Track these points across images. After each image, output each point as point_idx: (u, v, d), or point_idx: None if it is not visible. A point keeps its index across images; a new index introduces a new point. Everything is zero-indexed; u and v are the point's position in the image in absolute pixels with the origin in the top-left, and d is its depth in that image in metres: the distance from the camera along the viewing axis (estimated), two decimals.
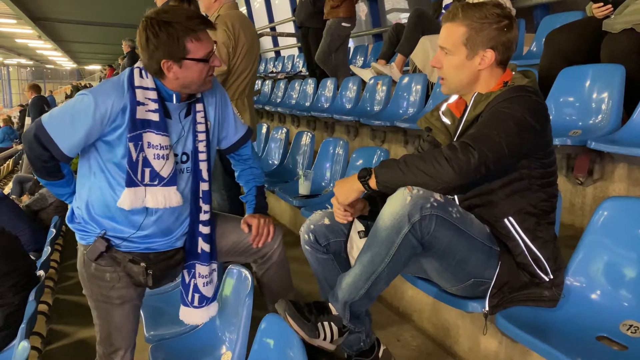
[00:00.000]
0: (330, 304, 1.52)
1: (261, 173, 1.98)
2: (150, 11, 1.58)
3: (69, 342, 2.64)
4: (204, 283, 1.76)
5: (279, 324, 1.46)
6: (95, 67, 36.74)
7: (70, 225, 1.73)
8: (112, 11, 13.92)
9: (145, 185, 1.60)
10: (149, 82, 1.61)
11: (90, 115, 1.55)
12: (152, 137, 1.59)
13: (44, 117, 1.60)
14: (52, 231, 3.67)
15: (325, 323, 1.49)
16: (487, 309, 1.49)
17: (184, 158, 1.69)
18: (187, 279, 1.77)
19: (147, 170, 1.59)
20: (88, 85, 27.83)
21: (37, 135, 1.57)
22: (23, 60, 39.74)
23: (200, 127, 1.70)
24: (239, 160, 1.95)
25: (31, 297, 2.45)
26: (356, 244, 1.60)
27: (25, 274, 2.71)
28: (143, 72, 1.62)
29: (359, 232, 1.60)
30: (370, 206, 1.67)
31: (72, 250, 4.10)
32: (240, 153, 1.92)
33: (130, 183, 1.59)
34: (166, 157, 1.61)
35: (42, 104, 8.65)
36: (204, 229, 1.74)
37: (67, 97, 24.06)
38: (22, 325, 2.18)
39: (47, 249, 3.23)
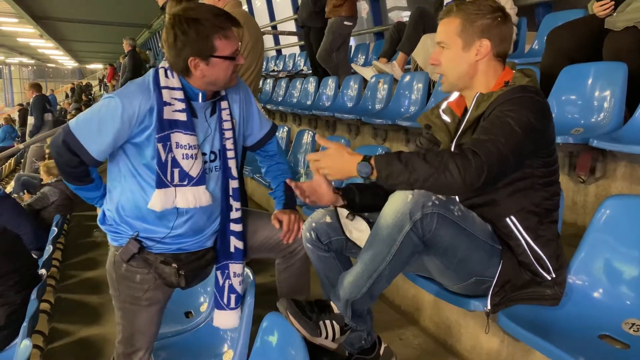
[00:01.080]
0: (331, 303, 1.52)
1: (288, 168, 1.97)
2: (176, 9, 1.58)
3: (70, 341, 2.64)
4: (239, 282, 1.75)
5: (280, 322, 1.46)
6: (97, 65, 36.79)
7: (102, 227, 1.73)
8: (113, 10, 13.94)
9: (175, 185, 1.60)
10: (174, 81, 1.60)
11: (117, 118, 1.54)
12: (180, 137, 1.59)
13: (72, 123, 1.59)
14: (54, 230, 3.68)
15: (327, 321, 1.49)
16: (489, 307, 1.49)
17: (212, 157, 1.68)
18: (220, 281, 1.76)
19: (177, 171, 1.59)
20: (90, 84, 27.86)
21: (66, 141, 1.56)
22: (25, 59, 39.82)
23: (227, 125, 1.69)
24: (265, 156, 1.94)
25: (33, 295, 2.45)
26: (352, 227, 1.60)
27: (27, 272, 2.72)
28: (168, 72, 1.61)
29: (347, 217, 1.60)
30: (346, 198, 1.67)
31: (74, 249, 4.12)
32: (267, 149, 1.91)
33: (160, 184, 1.58)
34: (195, 157, 1.61)
35: (43, 103, 8.66)
36: (236, 227, 1.74)
37: (68, 96, 24.11)
38: (24, 324, 2.18)
39: (49, 248, 3.23)
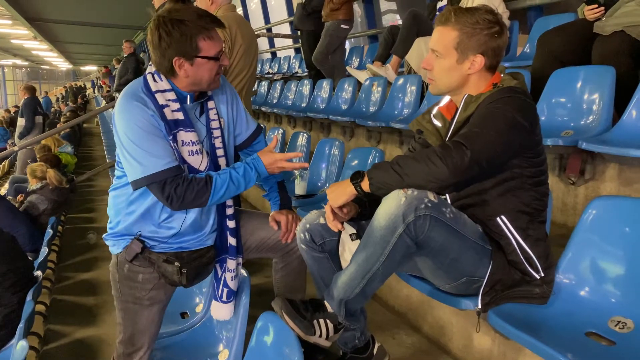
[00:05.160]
0: (325, 302, 1.54)
1: None
2: (161, 10, 1.60)
3: (66, 342, 2.64)
4: (231, 277, 1.79)
5: (275, 321, 1.48)
6: (91, 67, 36.66)
7: (107, 239, 1.75)
8: (107, 12, 13.90)
9: None
10: (164, 84, 1.63)
11: (152, 123, 1.56)
12: (184, 135, 1.62)
13: (139, 171, 1.56)
14: (49, 232, 3.68)
15: (321, 320, 1.51)
16: (479, 306, 1.52)
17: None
18: (219, 273, 1.81)
19: (185, 167, 1.62)
20: (82, 86, 27.74)
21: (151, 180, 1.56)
22: (18, 61, 39.62)
23: (214, 124, 1.72)
24: None
25: (29, 297, 2.46)
26: (348, 247, 1.62)
27: (23, 274, 2.72)
28: (156, 75, 1.64)
29: (350, 235, 1.61)
30: (359, 208, 1.68)
31: (69, 250, 4.12)
32: (255, 149, 1.90)
33: None
34: (200, 152, 1.65)
35: (35, 105, 8.60)
36: (230, 223, 1.78)
37: (62, 97, 23.99)
38: (20, 325, 2.19)
39: (44, 250, 3.23)
